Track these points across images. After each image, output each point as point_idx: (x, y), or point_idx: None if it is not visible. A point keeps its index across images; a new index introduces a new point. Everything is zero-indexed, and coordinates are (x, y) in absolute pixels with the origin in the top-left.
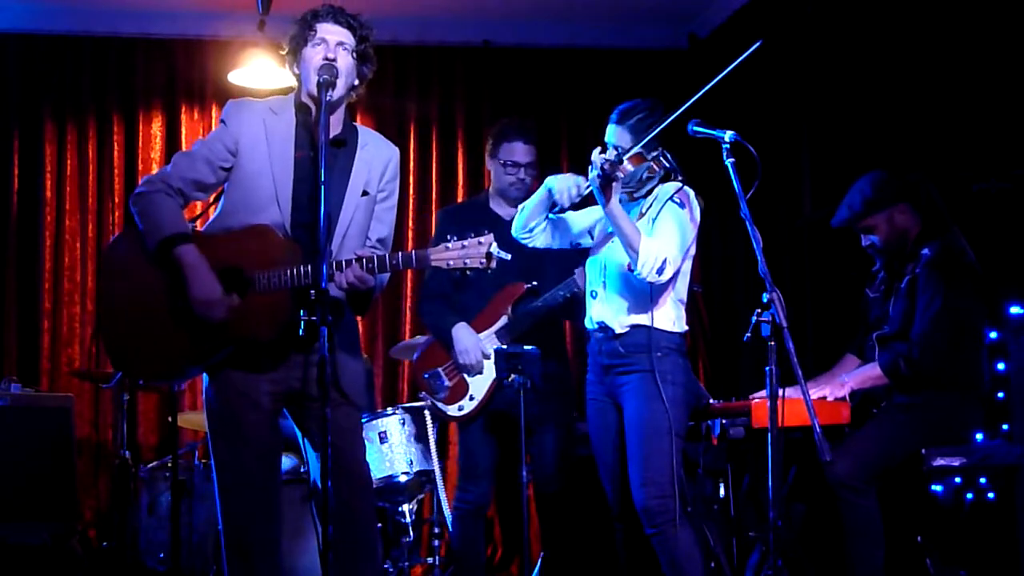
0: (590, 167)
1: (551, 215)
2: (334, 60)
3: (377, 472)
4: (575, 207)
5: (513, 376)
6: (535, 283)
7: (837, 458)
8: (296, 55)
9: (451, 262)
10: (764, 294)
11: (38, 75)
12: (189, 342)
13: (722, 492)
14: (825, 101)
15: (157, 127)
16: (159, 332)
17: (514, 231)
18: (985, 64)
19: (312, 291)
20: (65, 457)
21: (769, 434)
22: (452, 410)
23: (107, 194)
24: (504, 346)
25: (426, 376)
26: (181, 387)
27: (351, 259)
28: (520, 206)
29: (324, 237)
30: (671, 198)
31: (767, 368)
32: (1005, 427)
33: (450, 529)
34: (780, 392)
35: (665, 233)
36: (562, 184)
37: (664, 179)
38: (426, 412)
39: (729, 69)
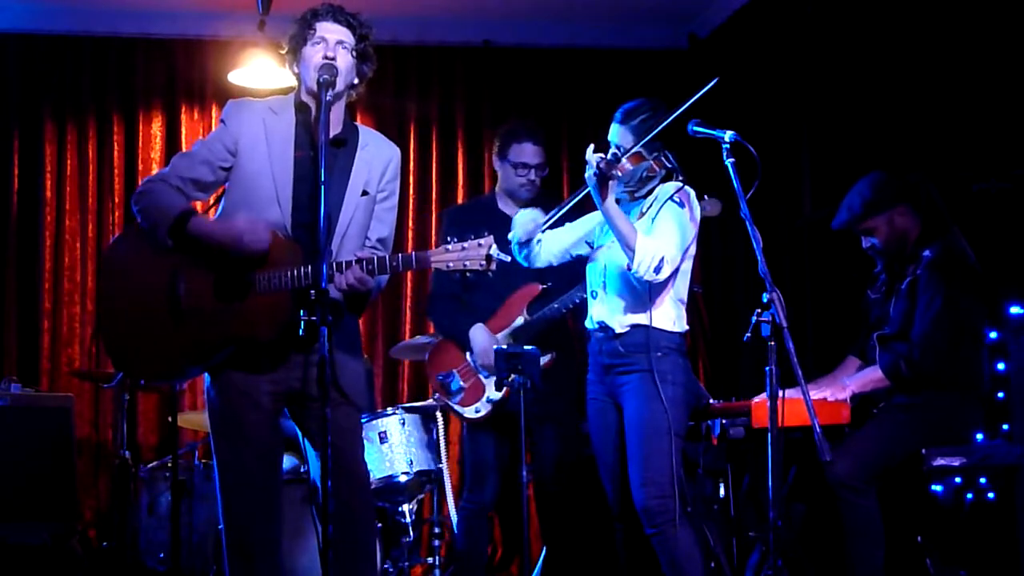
0: (586, 165)
1: (540, 236)
2: (333, 59)
3: (377, 472)
4: (572, 216)
5: (513, 376)
6: (549, 284)
7: (837, 458)
8: (296, 54)
9: (451, 264)
10: (764, 294)
11: (38, 75)
12: (189, 342)
13: (722, 492)
14: (825, 101)
15: (157, 127)
16: (159, 332)
17: (516, 258)
18: (985, 64)
19: (312, 291)
20: (65, 457)
21: (769, 434)
22: (469, 412)
23: (107, 194)
24: (504, 347)
25: (439, 377)
26: (181, 387)
27: (351, 260)
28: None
29: (324, 237)
30: (671, 197)
31: (767, 368)
32: (1005, 427)
33: (455, 529)
34: (780, 393)
35: (663, 232)
36: (520, 220)
37: (665, 179)
38: (438, 413)
39: (686, 105)
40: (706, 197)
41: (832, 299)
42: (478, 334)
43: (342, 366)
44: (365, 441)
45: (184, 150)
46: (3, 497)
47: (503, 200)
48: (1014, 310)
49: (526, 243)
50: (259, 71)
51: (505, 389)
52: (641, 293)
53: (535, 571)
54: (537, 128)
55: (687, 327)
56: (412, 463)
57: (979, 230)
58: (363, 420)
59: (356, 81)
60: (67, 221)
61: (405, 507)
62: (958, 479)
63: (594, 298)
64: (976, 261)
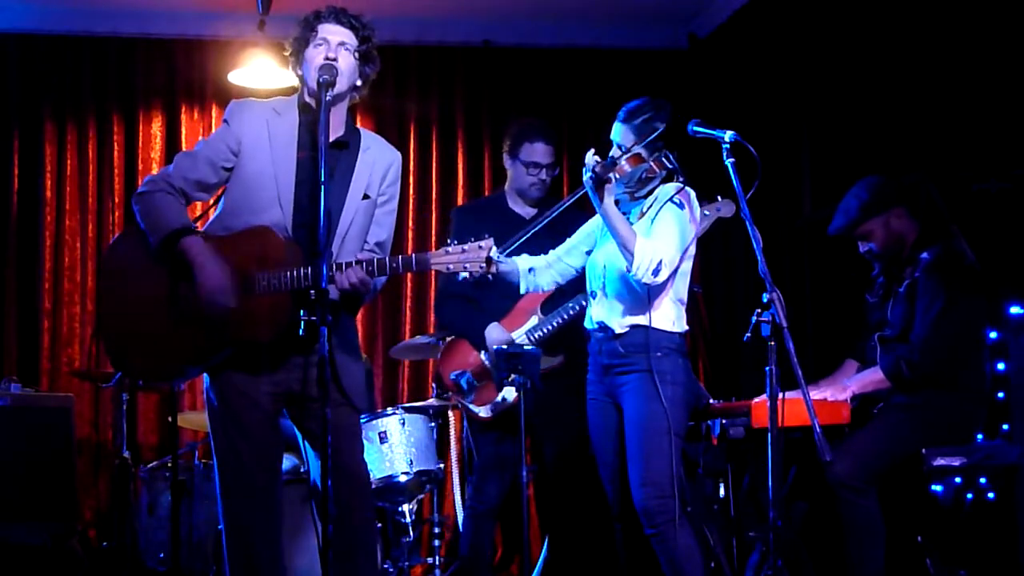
0: (584, 168)
1: (532, 265)
2: (335, 60)
3: (377, 472)
4: (567, 227)
5: (513, 376)
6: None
7: (837, 458)
8: (299, 56)
9: (451, 266)
10: (764, 294)
11: (38, 75)
12: (189, 343)
13: (722, 492)
14: (825, 101)
15: (157, 127)
16: (159, 332)
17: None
18: (985, 64)
19: (312, 292)
20: (65, 457)
21: (769, 434)
22: (483, 411)
23: (107, 194)
24: (504, 347)
25: (453, 376)
26: (181, 387)
27: (351, 262)
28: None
29: (324, 238)
30: (671, 199)
31: (767, 368)
32: (1005, 427)
33: (460, 528)
34: (780, 393)
35: (663, 234)
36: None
37: (666, 179)
38: (449, 412)
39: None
40: (719, 198)
41: (832, 299)
42: (494, 333)
43: (342, 366)
44: (365, 441)
45: (184, 150)
46: (3, 497)
47: (512, 198)
48: (1014, 310)
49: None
50: (259, 71)
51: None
52: (640, 294)
53: (535, 571)
54: (549, 128)
55: (687, 327)
56: (412, 463)
57: (979, 230)
58: (363, 420)
59: (359, 83)
60: (67, 221)
61: (405, 507)
62: (958, 479)
63: (593, 298)
64: (976, 261)
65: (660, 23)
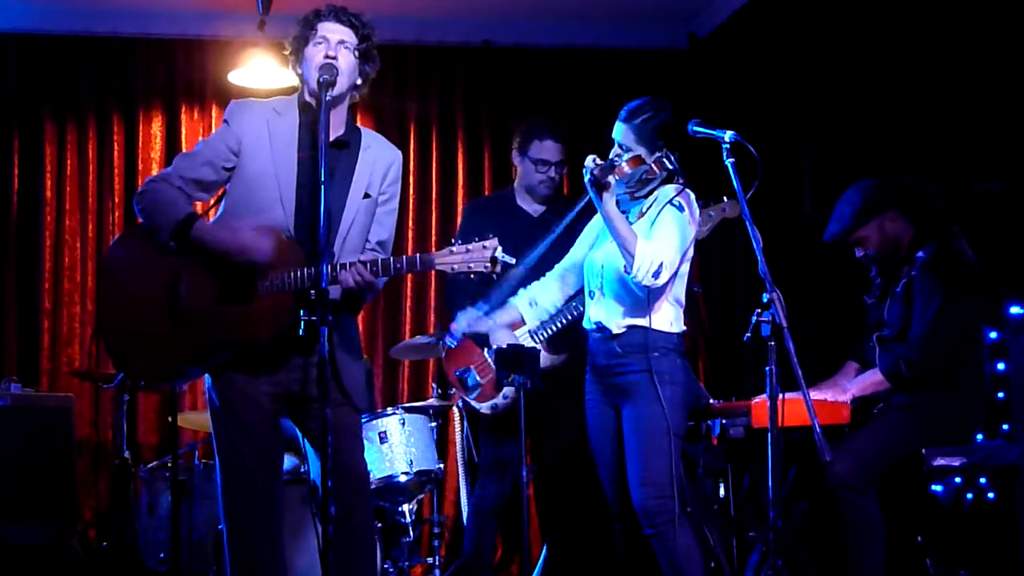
0: (584, 170)
1: (532, 298)
2: (334, 59)
3: (377, 472)
4: (565, 235)
5: (513, 376)
6: None
7: (837, 458)
8: (299, 55)
9: (455, 266)
10: (764, 294)
11: (38, 75)
12: (189, 343)
13: (722, 492)
14: (825, 101)
15: (157, 127)
16: (159, 333)
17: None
18: (985, 64)
19: (312, 292)
20: (65, 457)
21: (769, 434)
22: (485, 408)
23: (107, 194)
24: (504, 346)
25: (457, 373)
26: (182, 387)
27: (354, 262)
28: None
29: (324, 237)
30: (671, 201)
31: (767, 368)
32: (1005, 427)
33: (464, 526)
34: (780, 393)
35: (663, 236)
36: (459, 324)
37: (666, 180)
38: (454, 409)
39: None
40: (725, 199)
41: (832, 299)
42: (499, 331)
43: (343, 366)
44: (365, 441)
45: (184, 150)
46: (3, 497)
47: (521, 196)
48: (1014, 310)
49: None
50: (259, 71)
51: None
52: (639, 295)
53: (535, 571)
54: (558, 125)
55: (685, 327)
56: (412, 463)
57: (979, 230)
58: (363, 420)
59: (359, 81)
60: (67, 221)
61: (405, 507)
62: (958, 479)
63: (591, 298)
64: (975, 260)
65: (660, 23)
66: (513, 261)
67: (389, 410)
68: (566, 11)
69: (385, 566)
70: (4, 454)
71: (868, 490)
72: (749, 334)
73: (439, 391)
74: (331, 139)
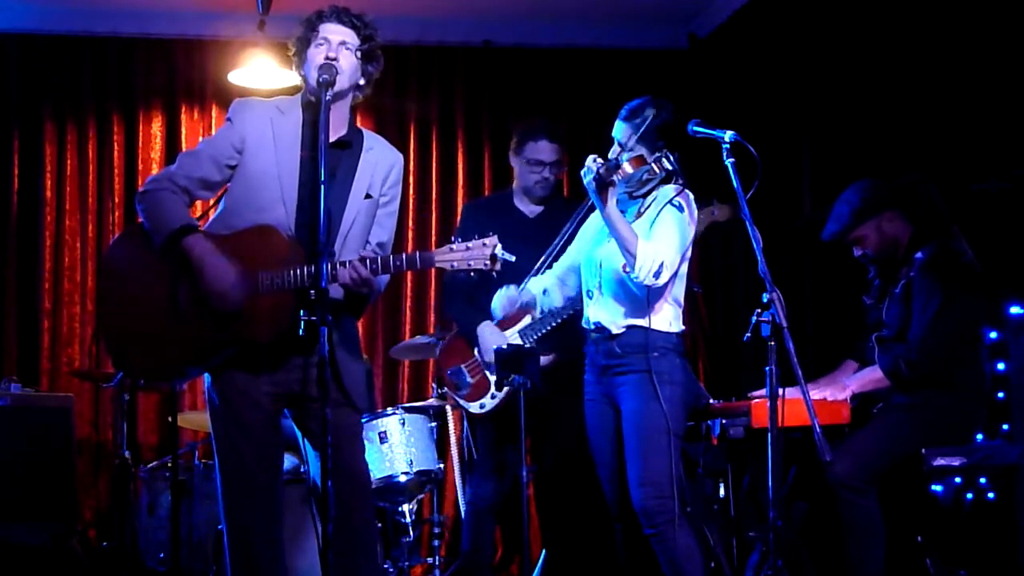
0: (584, 171)
1: (544, 286)
2: (335, 60)
3: (377, 472)
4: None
5: (513, 376)
6: None
7: (837, 458)
8: (301, 55)
9: (455, 263)
10: (764, 294)
11: (38, 75)
12: (190, 343)
13: (722, 492)
14: (825, 101)
15: (157, 127)
16: (160, 333)
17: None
18: (984, 64)
19: (312, 291)
20: (65, 457)
21: (769, 434)
22: (474, 407)
23: (107, 194)
24: (504, 346)
25: (449, 373)
26: (182, 387)
27: (353, 259)
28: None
29: (324, 236)
30: (670, 201)
31: (767, 368)
32: (1005, 427)
33: (463, 526)
34: (780, 392)
35: (663, 237)
36: (497, 302)
37: (664, 180)
38: (447, 409)
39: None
40: (715, 201)
41: (832, 299)
42: (485, 332)
43: (343, 366)
44: (365, 441)
45: (184, 150)
46: (3, 497)
47: (519, 197)
48: (1014, 310)
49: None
50: (259, 71)
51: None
52: (639, 295)
53: (535, 571)
54: (554, 126)
55: (684, 327)
56: (412, 463)
57: (979, 230)
58: (363, 420)
59: (361, 82)
60: (67, 221)
61: (405, 507)
62: (958, 479)
63: (590, 298)
64: (975, 260)
65: (660, 23)
66: (513, 259)
67: (389, 410)
68: (566, 11)
69: (385, 566)
70: (4, 454)
71: (868, 490)
72: (749, 334)
73: (439, 391)
74: (333, 139)
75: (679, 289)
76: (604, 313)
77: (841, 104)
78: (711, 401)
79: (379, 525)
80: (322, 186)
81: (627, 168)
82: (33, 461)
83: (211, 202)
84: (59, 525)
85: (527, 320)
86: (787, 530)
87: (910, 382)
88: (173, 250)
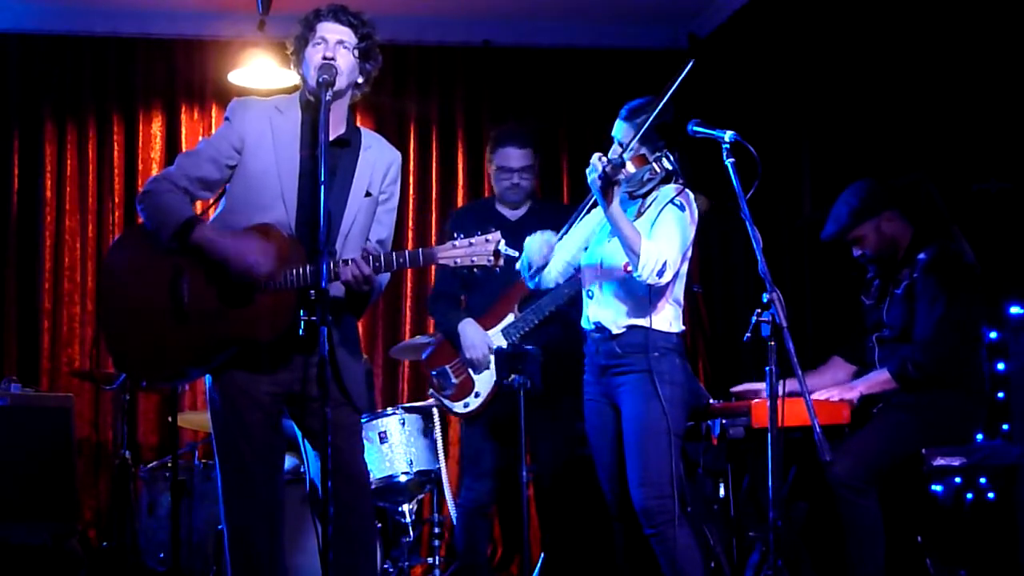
0: (589, 169)
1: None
2: (333, 59)
3: (377, 472)
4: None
5: (513, 376)
6: None
7: (837, 458)
8: (299, 55)
9: (458, 260)
10: (764, 294)
11: (38, 75)
12: (190, 343)
13: (722, 492)
14: (825, 101)
15: (157, 127)
16: (160, 333)
17: (527, 283)
18: (984, 65)
19: (312, 291)
20: (65, 457)
21: (769, 434)
22: (458, 407)
23: (107, 194)
24: (504, 345)
25: (433, 373)
26: (183, 387)
27: (358, 257)
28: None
29: (324, 235)
30: (671, 200)
31: (767, 368)
32: (1005, 427)
33: (455, 527)
34: (781, 386)
35: (665, 236)
36: (532, 245)
37: (665, 180)
38: (434, 411)
39: (668, 95)
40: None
41: (832, 299)
42: (468, 329)
43: (343, 366)
44: (365, 441)
45: (185, 150)
46: (3, 497)
47: (499, 201)
48: (1014, 310)
49: (541, 267)
50: (259, 71)
51: (493, 386)
52: (639, 294)
53: (535, 571)
54: (523, 132)
55: (684, 327)
56: (412, 463)
57: (979, 230)
58: (363, 420)
59: (360, 80)
60: (67, 221)
61: (405, 507)
62: (958, 479)
63: (590, 298)
64: (975, 261)
65: (660, 23)
66: (516, 254)
67: (389, 410)
68: (566, 11)
69: (385, 566)
70: (4, 454)
71: (868, 490)
72: (749, 334)
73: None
74: (332, 138)
75: (679, 289)
76: (604, 313)
77: (841, 104)
78: (711, 401)
79: (379, 525)
80: (322, 185)
81: (629, 167)
82: (33, 461)
83: (210, 201)
84: (59, 525)
85: (510, 318)
86: (787, 530)
87: (917, 384)
88: (182, 243)
